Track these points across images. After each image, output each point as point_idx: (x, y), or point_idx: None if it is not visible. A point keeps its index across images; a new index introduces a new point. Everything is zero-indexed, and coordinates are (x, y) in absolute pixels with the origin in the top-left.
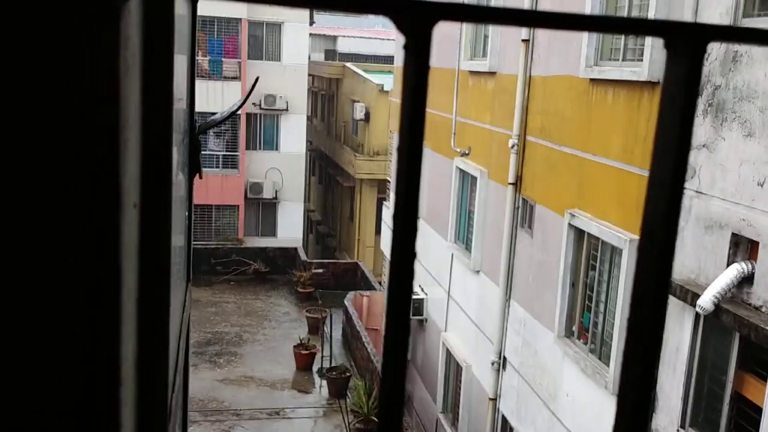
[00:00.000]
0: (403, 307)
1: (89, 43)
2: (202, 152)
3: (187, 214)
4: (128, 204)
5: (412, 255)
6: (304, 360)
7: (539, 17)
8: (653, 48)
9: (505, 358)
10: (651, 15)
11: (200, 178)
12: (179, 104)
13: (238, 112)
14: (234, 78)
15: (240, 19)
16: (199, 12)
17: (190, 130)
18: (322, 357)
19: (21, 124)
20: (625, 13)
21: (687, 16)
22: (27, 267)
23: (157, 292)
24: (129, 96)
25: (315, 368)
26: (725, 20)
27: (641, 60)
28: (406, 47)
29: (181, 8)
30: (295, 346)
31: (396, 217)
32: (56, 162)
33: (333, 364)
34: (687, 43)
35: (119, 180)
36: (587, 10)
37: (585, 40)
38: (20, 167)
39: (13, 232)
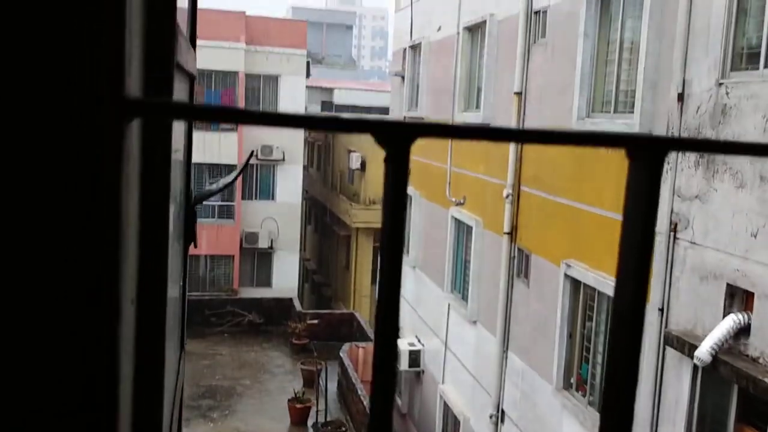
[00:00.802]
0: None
1: (94, 161)
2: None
3: (181, 284)
4: (126, 302)
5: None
6: (299, 414)
7: (503, 133)
8: (644, 100)
9: (503, 411)
10: (641, 69)
11: (195, 247)
12: (175, 176)
13: (235, 163)
14: (231, 130)
15: (237, 72)
16: (198, 65)
17: (186, 200)
18: (317, 411)
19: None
20: (614, 69)
21: (676, 70)
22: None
23: (151, 386)
24: (128, 205)
25: (310, 423)
26: (713, 75)
27: (632, 112)
28: (386, 160)
29: (179, 88)
30: (289, 400)
31: (376, 326)
32: (59, 271)
33: (328, 419)
34: (647, 154)
35: (119, 282)
36: (578, 69)
37: (577, 91)
38: (23, 273)
39: (13, 335)
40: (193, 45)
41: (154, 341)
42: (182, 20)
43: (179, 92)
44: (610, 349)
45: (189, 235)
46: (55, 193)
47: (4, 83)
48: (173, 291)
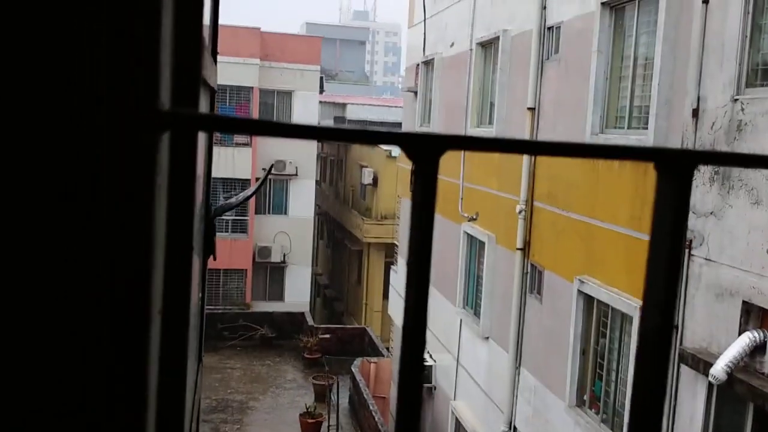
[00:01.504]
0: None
1: (129, 173)
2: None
3: (201, 295)
4: (154, 312)
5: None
6: (311, 429)
7: (533, 146)
8: (658, 116)
9: (515, 428)
10: (655, 85)
11: (214, 260)
12: (197, 190)
13: (249, 178)
14: (245, 144)
15: (252, 87)
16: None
17: (206, 213)
18: (329, 426)
19: (60, 241)
20: (628, 85)
21: (690, 86)
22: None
23: (173, 399)
24: (158, 216)
25: None
26: (728, 91)
27: (646, 128)
28: (414, 172)
29: (202, 101)
30: (301, 415)
31: (404, 341)
32: (93, 281)
33: None
34: (675, 167)
35: (150, 291)
36: (591, 85)
37: (590, 107)
38: (56, 284)
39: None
40: (215, 59)
41: (177, 353)
42: (205, 34)
43: (202, 106)
44: (636, 373)
45: (208, 248)
46: (91, 204)
47: (39, 94)
48: (194, 305)
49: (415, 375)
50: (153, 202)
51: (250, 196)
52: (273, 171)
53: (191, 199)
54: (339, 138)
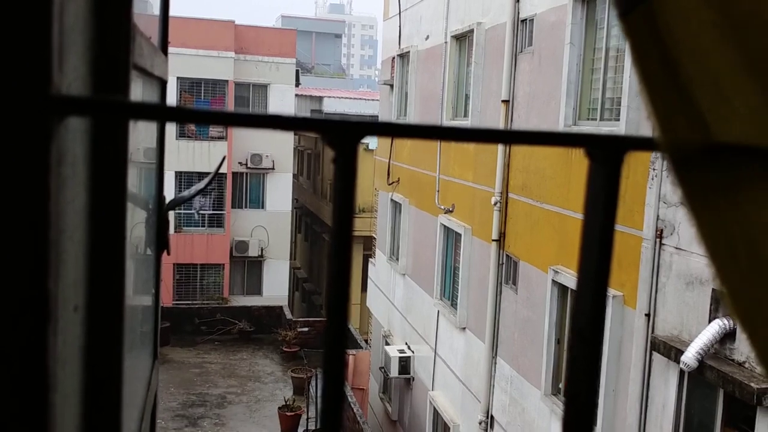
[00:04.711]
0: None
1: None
2: (189, 212)
3: (154, 292)
4: (66, 309)
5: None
6: (289, 422)
7: (455, 132)
8: (629, 108)
9: (492, 417)
10: (626, 77)
11: (168, 254)
12: (148, 179)
13: (225, 172)
14: (220, 138)
15: (227, 80)
16: (187, 74)
17: (158, 206)
18: (308, 418)
19: None
20: (600, 77)
21: None
22: None
23: (107, 399)
24: (66, 206)
25: (300, 430)
26: None
27: (618, 120)
28: (334, 161)
29: (146, 92)
30: (280, 408)
31: (327, 325)
32: None
33: (318, 426)
34: (606, 152)
35: (47, 288)
36: (564, 77)
37: (564, 99)
38: None
39: None
40: (165, 51)
41: (108, 350)
42: (152, 26)
43: (146, 96)
44: (570, 356)
45: (161, 242)
46: None
47: None
48: (144, 299)
49: (338, 356)
50: (46, 191)
51: (203, 188)
52: (249, 165)
53: (119, 189)
54: (254, 125)
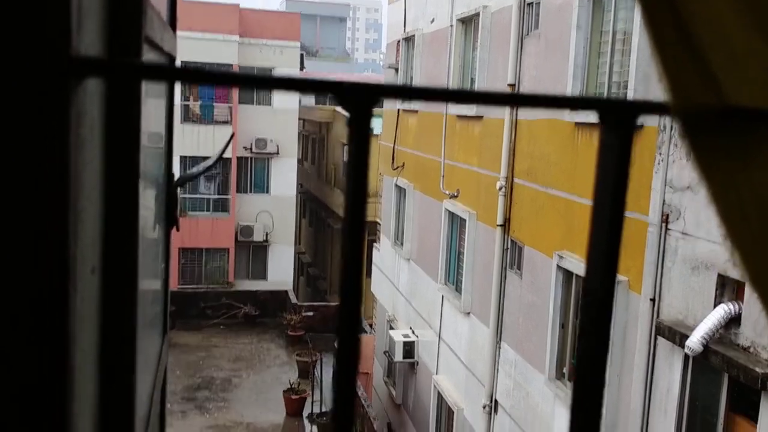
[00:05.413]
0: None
1: (36, 124)
2: (193, 196)
3: (164, 266)
4: (84, 270)
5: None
6: (295, 405)
7: (470, 96)
8: (636, 91)
9: (496, 401)
10: (633, 60)
11: (177, 230)
12: (156, 158)
13: (230, 156)
14: (225, 122)
15: (231, 65)
16: (191, 58)
17: (167, 183)
18: (313, 401)
19: None
20: (607, 60)
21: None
22: None
23: (122, 361)
24: (84, 166)
25: (305, 413)
26: None
27: None
28: (349, 123)
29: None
30: (285, 391)
31: (342, 280)
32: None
33: (324, 409)
34: (618, 117)
35: (67, 248)
36: (570, 60)
37: (570, 82)
38: None
39: None
40: (173, 29)
41: (123, 312)
42: (161, 3)
43: None
44: (581, 328)
45: (170, 219)
46: None
47: None
48: (154, 274)
49: (352, 336)
50: (67, 146)
51: (212, 165)
52: (254, 149)
53: (132, 149)
54: (267, 86)
